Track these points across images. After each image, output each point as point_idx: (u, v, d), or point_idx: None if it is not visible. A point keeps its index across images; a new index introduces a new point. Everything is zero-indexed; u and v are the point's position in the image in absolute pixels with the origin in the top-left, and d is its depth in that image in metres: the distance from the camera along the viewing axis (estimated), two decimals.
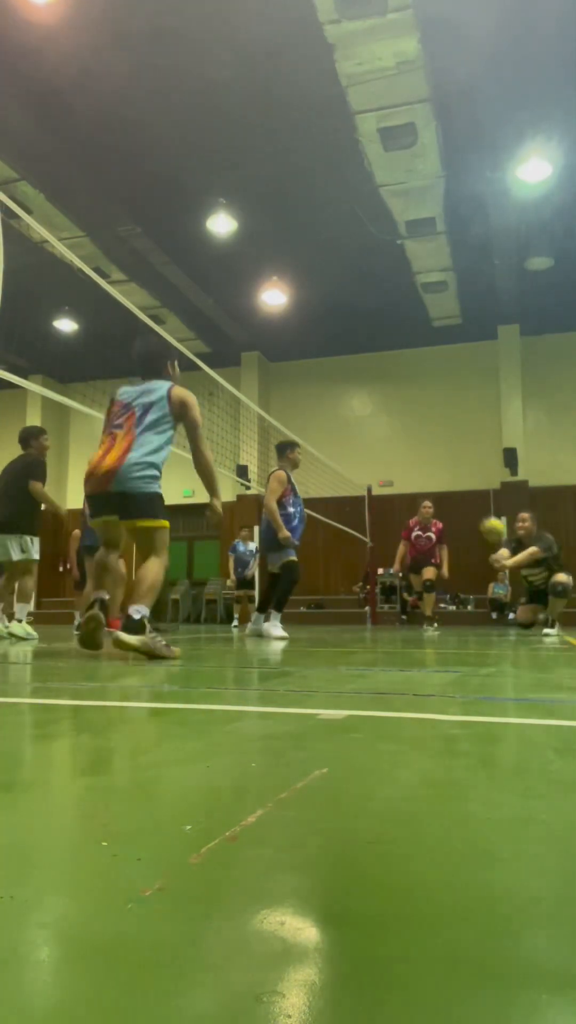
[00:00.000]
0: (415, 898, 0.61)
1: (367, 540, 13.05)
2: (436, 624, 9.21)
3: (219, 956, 0.50)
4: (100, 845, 0.73)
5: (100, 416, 6.21)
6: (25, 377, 7.08)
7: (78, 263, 5.15)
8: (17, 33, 7.25)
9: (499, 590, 12.96)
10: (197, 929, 0.55)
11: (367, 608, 13.24)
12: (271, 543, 6.75)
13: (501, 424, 14.00)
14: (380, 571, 13.89)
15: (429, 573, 8.98)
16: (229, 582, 12.85)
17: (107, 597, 3.82)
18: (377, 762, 1.17)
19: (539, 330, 13.91)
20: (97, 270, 10.39)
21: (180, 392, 3.89)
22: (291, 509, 6.69)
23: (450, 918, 0.57)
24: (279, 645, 5.22)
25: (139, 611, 3.51)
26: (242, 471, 13.14)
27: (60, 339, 13.89)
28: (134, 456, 3.63)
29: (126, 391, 3.95)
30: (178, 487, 15.24)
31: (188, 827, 0.79)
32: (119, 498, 3.61)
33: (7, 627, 6.39)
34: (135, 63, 7.68)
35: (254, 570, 11.82)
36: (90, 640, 3.70)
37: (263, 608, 7.06)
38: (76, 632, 6.54)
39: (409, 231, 10.67)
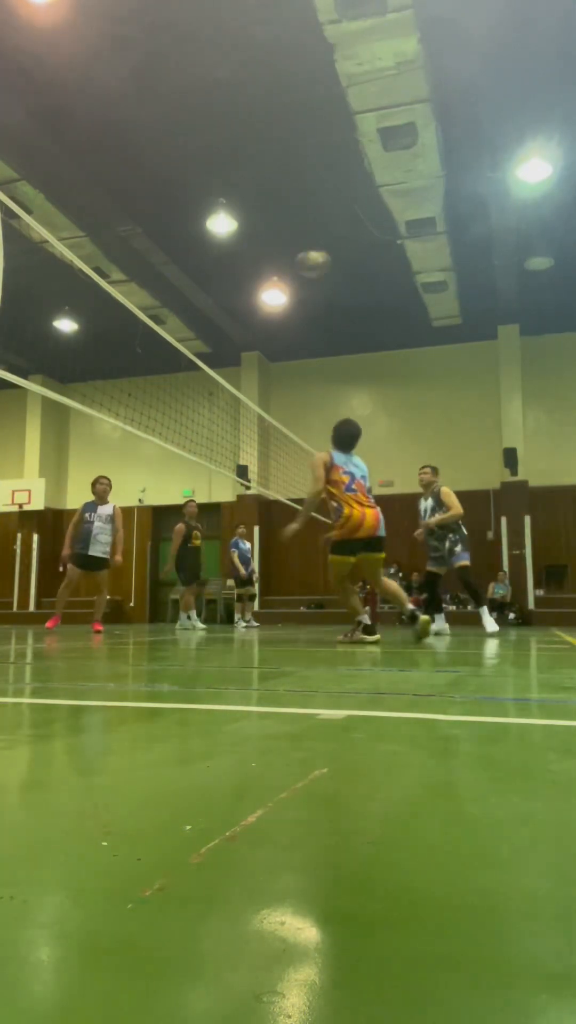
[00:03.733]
0: (415, 898, 0.61)
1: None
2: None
3: (219, 956, 0.50)
4: (100, 845, 0.73)
5: (100, 416, 6.26)
6: (25, 377, 7.10)
7: (78, 263, 5.15)
8: (17, 33, 7.25)
9: (499, 590, 12.97)
10: (197, 929, 0.55)
11: (367, 608, 13.23)
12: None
13: (501, 424, 13.99)
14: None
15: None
16: (229, 582, 12.83)
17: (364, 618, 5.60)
18: (377, 762, 1.17)
19: (539, 330, 13.91)
20: (97, 270, 10.43)
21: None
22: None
23: (450, 918, 0.57)
24: (272, 644, 5.22)
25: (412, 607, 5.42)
26: (242, 471, 13.15)
27: (60, 339, 13.89)
28: (379, 513, 5.39)
29: (343, 459, 5.43)
30: (178, 487, 15.29)
31: (188, 827, 0.79)
32: (378, 541, 5.35)
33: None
34: (135, 63, 7.67)
35: (254, 567, 11.83)
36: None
37: (439, 609, 8.13)
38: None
39: (409, 231, 10.67)
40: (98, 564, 7.83)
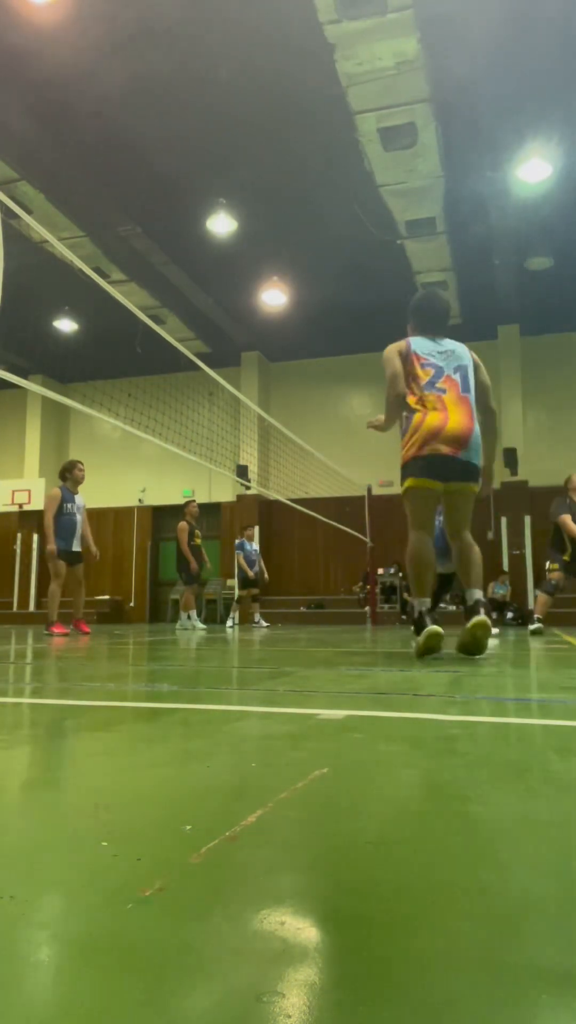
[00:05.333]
0: (415, 898, 0.61)
1: (367, 540, 13.05)
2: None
3: (219, 956, 0.50)
4: (100, 845, 0.73)
5: (100, 416, 6.19)
6: (25, 377, 7.08)
7: (78, 263, 5.15)
8: (17, 33, 7.25)
9: (499, 590, 12.96)
10: (197, 929, 0.55)
11: (367, 608, 13.24)
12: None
13: (501, 424, 13.99)
14: (380, 571, 13.89)
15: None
16: (230, 582, 12.83)
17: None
18: (377, 762, 1.17)
19: (539, 330, 13.91)
20: (97, 270, 10.42)
21: (475, 355, 3.91)
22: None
23: (450, 918, 0.57)
24: (274, 645, 5.22)
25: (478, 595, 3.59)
26: (242, 471, 13.14)
27: (60, 339, 13.89)
28: (477, 428, 3.66)
29: (425, 344, 3.78)
30: (178, 487, 15.28)
31: (188, 827, 0.79)
32: (464, 466, 3.61)
33: None
34: (135, 63, 7.67)
35: (260, 568, 11.82)
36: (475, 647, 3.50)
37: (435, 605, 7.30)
38: (47, 633, 6.47)
39: (409, 231, 10.67)
40: (78, 559, 7.55)
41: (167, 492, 15.55)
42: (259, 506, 14.77)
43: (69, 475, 7.62)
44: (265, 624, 11.87)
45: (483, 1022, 0.42)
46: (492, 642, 6.61)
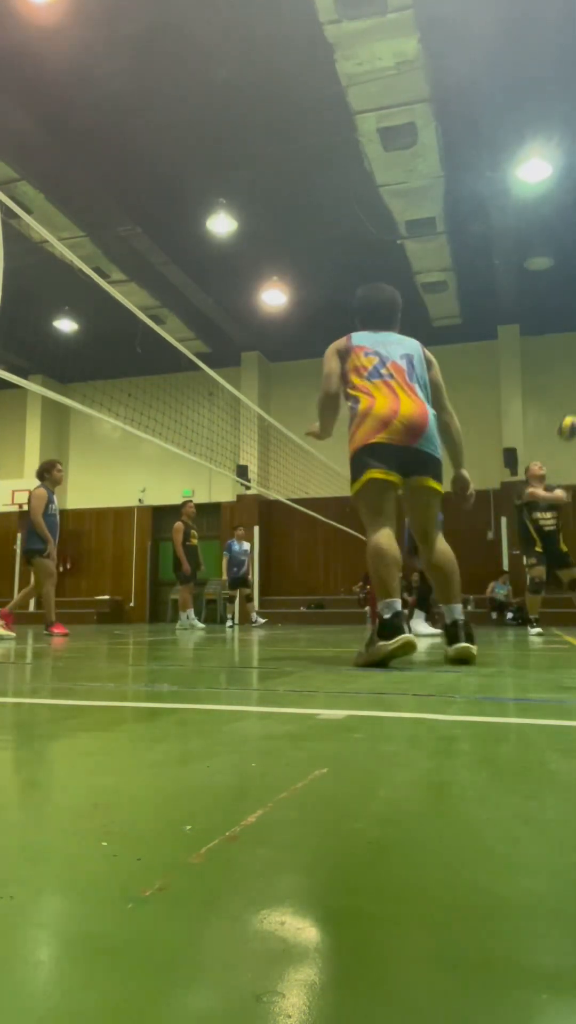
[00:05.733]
0: (415, 898, 0.61)
1: (367, 540, 13.06)
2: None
3: (219, 956, 0.50)
4: (100, 845, 0.73)
5: (100, 416, 6.18)
6: (25, 377, 7.08)
7: (78, 263, 5.15)
8: (17, 33, 7.25)
9: (500, 590, 12.96)
10: (197, 929, 0.55)
11: (367, 608, 13.24)
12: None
13: (501, 424, 13.99)
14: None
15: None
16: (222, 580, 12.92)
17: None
18: (377, 762, 1.17)
19: (539, 330, 13.91)
20: (97, 270, 10.42)
21: (429, 353, 3.64)
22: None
23: (450, 918, 0.56)
24: (276, 645, 5.22)
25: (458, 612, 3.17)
26: (242, 471, 13.15)
27: (60, 339, 13.89)
28: (432, 412, 3.34)
29: (367, 336, 3.53)
30: (178, 487, 15.29)
31: (188, 827, 0.79)
32: (423, 457, 3.28)
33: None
34: (135, 63, 7.67)
35: (248, 569, 11.93)
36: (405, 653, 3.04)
37: (422, 608, 7.40)
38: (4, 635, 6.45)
39: (409, 231, 10.67)
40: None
41: (167, 492, 15.56)
42: (259, 506, 14.77)
43: (48, 475, 7.40)
44: (262, 620, 11.93)
45: (483, 1022, 0.42)
46: (429, 631, 6.68)
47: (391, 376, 3.32)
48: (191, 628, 9.68)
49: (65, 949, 0.52)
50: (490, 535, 13.69)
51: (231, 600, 11.99)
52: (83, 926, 0.56)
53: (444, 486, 3.42)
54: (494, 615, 12.78)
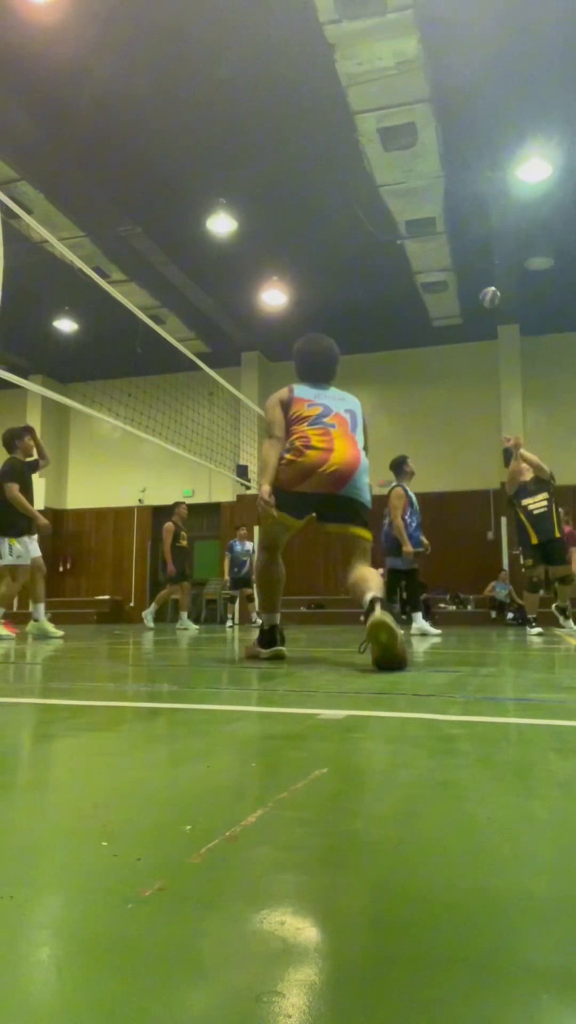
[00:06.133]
0: (415, 898, 0.61)
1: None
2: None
3: (219, 956, 0.50)
4: (100, 845, 0.73)
5: (100, 416, 6.19)
6: (25, 377, 7.07)
7: (78, 263, 5.16)
8: (17, 33, 7.25)
9: (501, 590, 12.96)
10: (197, 929, 0.55)
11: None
12: (395, 549, 7.42)
13: (501, 424, 13.99)
14: (380, 571, 13.88)
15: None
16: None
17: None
18: (377, 762, 1.17)
19: (539, 330, 13.90)
20: (97, 270, 10.40)
21: (364, 410, 3.81)
22: (407, 519, 7.31)
23: (450, 918, 0.56)
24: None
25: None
26: (242, 471, 13.14)
27: (60, 339, 13.89)
28: (365, 462, 3.46)
29: (310, 391, 3.69)
30: (178, 487, 15.29)
31: (188, 827, 0.79)
32: (347, 504, 3.39)
33: None
34: (135, 63, 7.67)
35: (250, 569, 11.95)
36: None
37: (416, 607, 7.69)
38: None
39: (409, 231, 10.66)
40: None
41: (167, 492, 15.55)
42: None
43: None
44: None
45: (483, 1022, 0.42)
46: (433, 631, 6.84)
47: (333, 426, 3.48)
48: (184, 628, 9.71)
49: (65, 949, 0.52)
50: (490, 535, 13.68)
51: (232, 600, 12.04)
52: (83, 926, 0.56)
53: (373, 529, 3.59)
54: (494, 615, 12.78)
